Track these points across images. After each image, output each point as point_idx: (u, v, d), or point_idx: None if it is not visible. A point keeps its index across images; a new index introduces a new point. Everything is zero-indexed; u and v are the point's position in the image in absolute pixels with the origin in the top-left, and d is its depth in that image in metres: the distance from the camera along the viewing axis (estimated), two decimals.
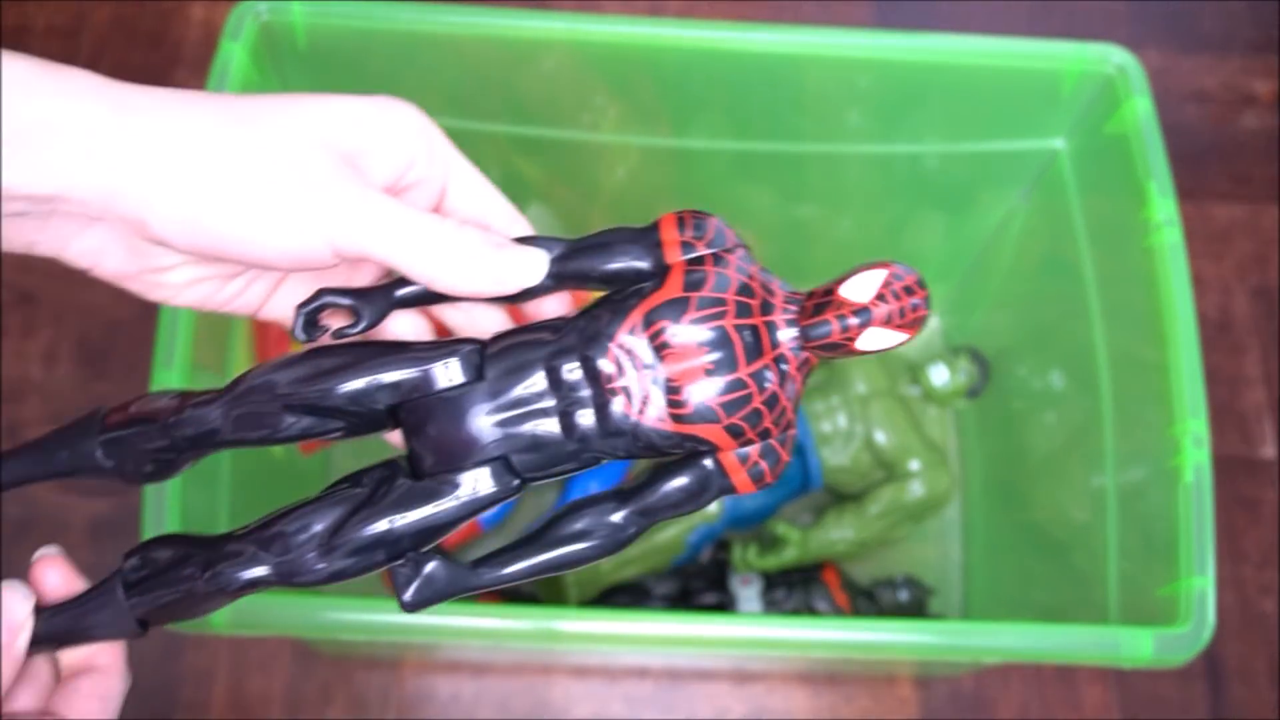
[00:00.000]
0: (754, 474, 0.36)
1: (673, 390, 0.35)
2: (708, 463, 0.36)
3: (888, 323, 0.35)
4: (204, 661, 0.80)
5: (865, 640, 0.55)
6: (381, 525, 0.35)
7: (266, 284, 0.39)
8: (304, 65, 0.66)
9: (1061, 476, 0.73)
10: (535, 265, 0.37)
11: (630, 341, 0.35)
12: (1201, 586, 0.55)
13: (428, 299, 0.38)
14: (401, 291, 0.38)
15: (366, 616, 0.52)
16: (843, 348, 0.35)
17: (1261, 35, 1.08)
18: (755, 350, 0.35)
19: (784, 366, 0.35)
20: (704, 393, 0.34)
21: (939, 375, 0.82)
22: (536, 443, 0.36)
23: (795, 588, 0.78)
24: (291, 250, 0.34)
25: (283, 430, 0.36)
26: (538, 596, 0.78)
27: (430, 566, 0.36)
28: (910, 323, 0.35)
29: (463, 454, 0.35)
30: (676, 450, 0.36)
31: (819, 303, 0.35)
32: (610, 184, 0.78)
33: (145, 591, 0.37)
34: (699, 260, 0.36)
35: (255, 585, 0.35)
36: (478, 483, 0.35)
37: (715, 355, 0.34)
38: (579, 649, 0.75)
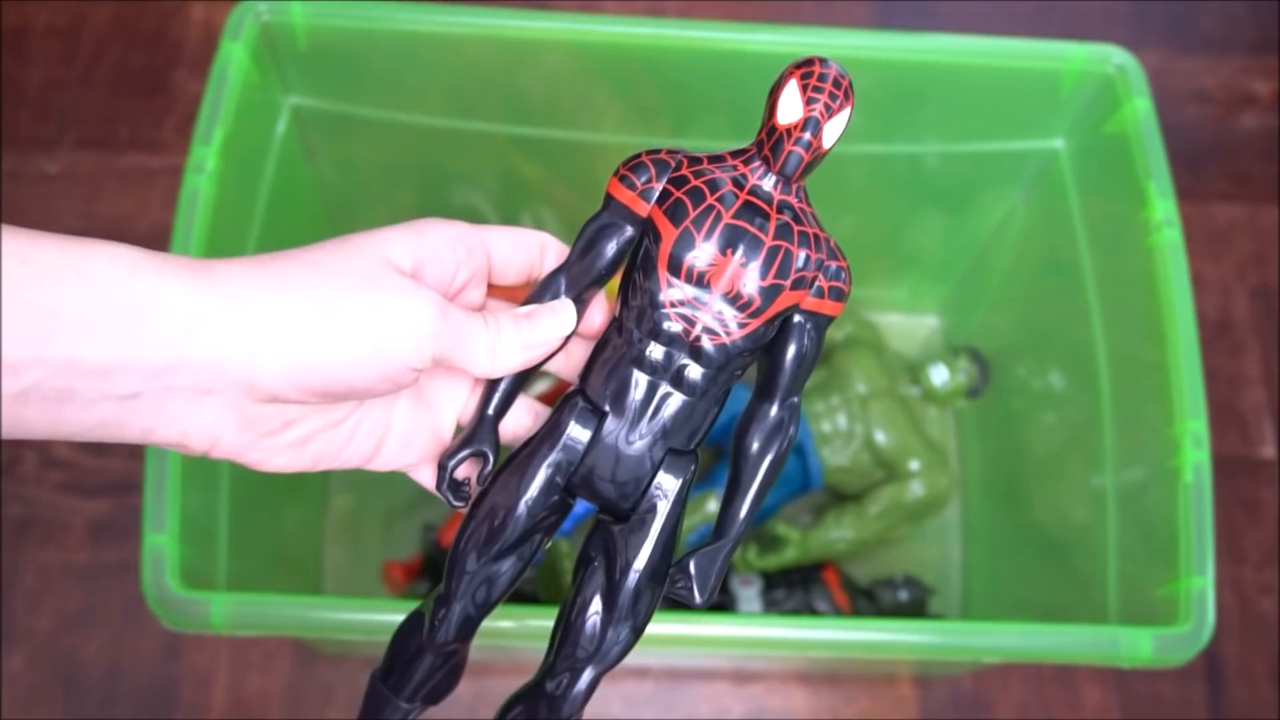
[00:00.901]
0: (832, 294, 0.39)
1: (735, 300, 0.38)
2: (797, 318, 0.39)
3: (830, 113, 0.37)
4: (204, 661, 0.80)
5: (865, 640, 0.55)
6: (634, 575, 0.39)
7: (371, 428, 0.40)
8: (304, 65, 0.66)
9: (1061, 476, 0.73)
10: (566, 316, 0.41)
11: (674, 294, 0.38)
12: (1201, 586, 0.55)
13: (512, 392, 0.41)
14: (493, 407, 0.41)
15: (366, 616, 0.52)
16: (820, 156, 0.38)
17: (1261, 35, 1.08)
18: (761, 216, 0.38)
19: (789, 206, 0.38)
20: (756, 280, 0.37)
21: (939, 375, 0.82)
22: (677, 421, 0.39)
23: (795, 588, 0.78)
24: (390, 368, 0.36)
25: (507, 577, 0.40)
26: (538, 597, 0.78)
27: (692, 564, 0.40)
28: (846, 92, 0.38)
29: (638, 476, 0.39)
30: (774, 332, 0.39)
31: (771, 143, 0.38)
32: None
33: None
34: (664, 195, 0.39)
35: (593, 689, 0.40)
36: (665, 485, 0.39)
37: (740, 248, 0.37)
38: None
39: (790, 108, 0.37)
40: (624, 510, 0.40)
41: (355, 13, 0.64)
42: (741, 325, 0.38)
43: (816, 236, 0.39)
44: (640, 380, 0.39)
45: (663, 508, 0.39)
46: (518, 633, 0.53)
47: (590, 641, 0.39)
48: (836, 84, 0.38)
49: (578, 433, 0.39)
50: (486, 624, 0.53)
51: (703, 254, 0.38)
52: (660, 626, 0.54)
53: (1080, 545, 0.69)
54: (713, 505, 0.76)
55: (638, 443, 0.39)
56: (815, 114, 0.37)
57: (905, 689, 0.83)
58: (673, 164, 0.39)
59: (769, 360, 0.40)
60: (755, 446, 0.40)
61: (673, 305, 0.38)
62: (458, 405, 0.43)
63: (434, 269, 0.38)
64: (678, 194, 0.38)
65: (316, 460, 0.39)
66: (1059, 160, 0.72)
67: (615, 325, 0.40)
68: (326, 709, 0.80)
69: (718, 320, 0.38)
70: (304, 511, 0.81)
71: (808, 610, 0.77)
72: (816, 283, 0.39)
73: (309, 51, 0.65)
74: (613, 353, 0.39)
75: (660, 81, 0.69)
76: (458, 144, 0.74)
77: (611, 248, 0.40)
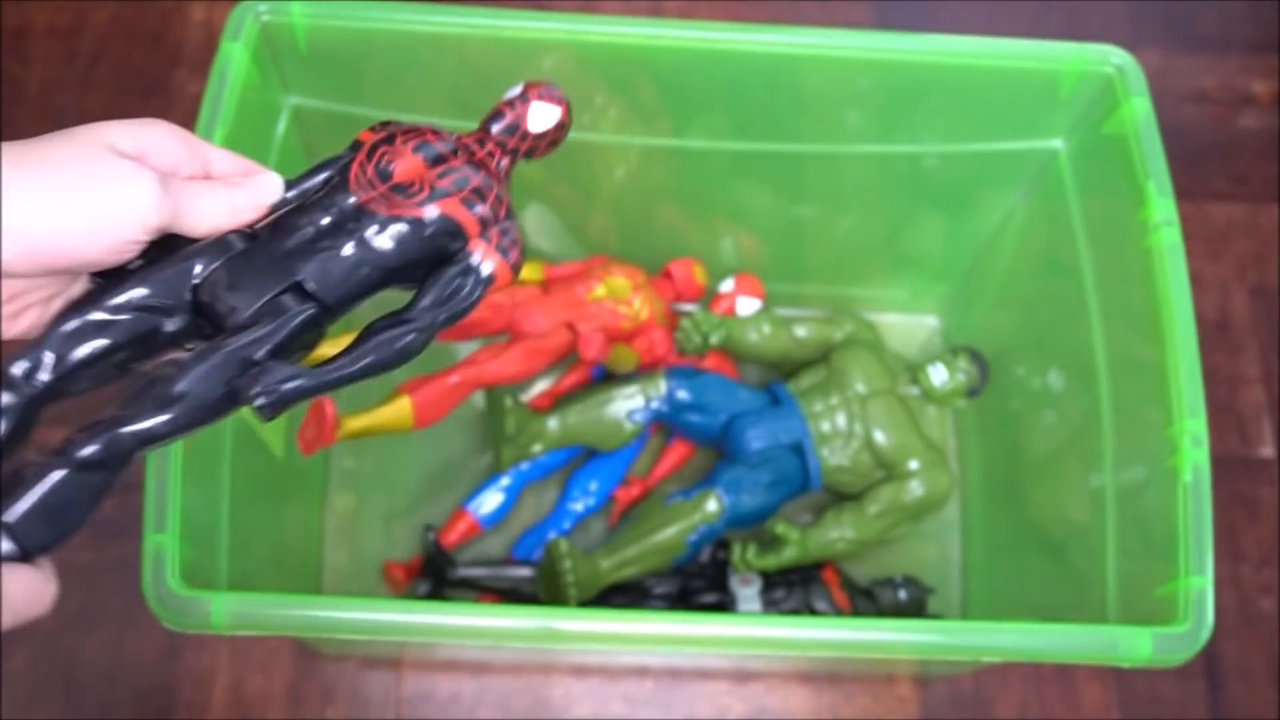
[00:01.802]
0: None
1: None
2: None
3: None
4: (204, 661, 0.80)
5: (864, 640, 0.55)
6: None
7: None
8: (304, 65, 0.66)
9: (1060, 476, 0.73)
10: (273, 182, 0.45)
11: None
12: (1200, 586, 0.55)
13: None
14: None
15: (366, 616, 0.52)
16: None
17: (1260, 35, 1.08)
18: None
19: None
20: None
21: (938, 375, 0.82)
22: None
23: (795, 587, 0.78)
24: (115, 241, 0.40)
25: (93, 353, 0.42)
26: (538, 596, 0.78)
27: (272, 366, 0.41)
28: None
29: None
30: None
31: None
32: (610, 184, 0.78)
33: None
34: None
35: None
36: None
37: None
38: (579, 648, 0.75)
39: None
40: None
41: (355, 13, 0.64)
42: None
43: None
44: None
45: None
46: (518, 632, 0.53)
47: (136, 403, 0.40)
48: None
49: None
50: (486, 623, 0.53)
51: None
52: (660, 626, 0.54)
53: (1079, 545, 0.69)
54: (712, 505, 0.76)
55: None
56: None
57: (905, 688, 0.83)
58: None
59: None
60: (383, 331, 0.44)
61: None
62: None
63: (156, 159, 0.42)
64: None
65: (28, 330, 0.42)
66: (1058, 160, 0.72)
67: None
68: (327, 708, 0.80)
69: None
70: (304, 511, 0.81)
71: (807, 610, 0.77)
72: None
73: (309, 52, 0.65)
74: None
75: (660, 82, 0.69)
76: None
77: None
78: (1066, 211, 0.71)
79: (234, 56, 0.61)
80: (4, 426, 0.39)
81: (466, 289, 0.45)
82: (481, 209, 0.45)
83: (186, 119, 0.97)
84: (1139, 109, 0.64)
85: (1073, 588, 0.69)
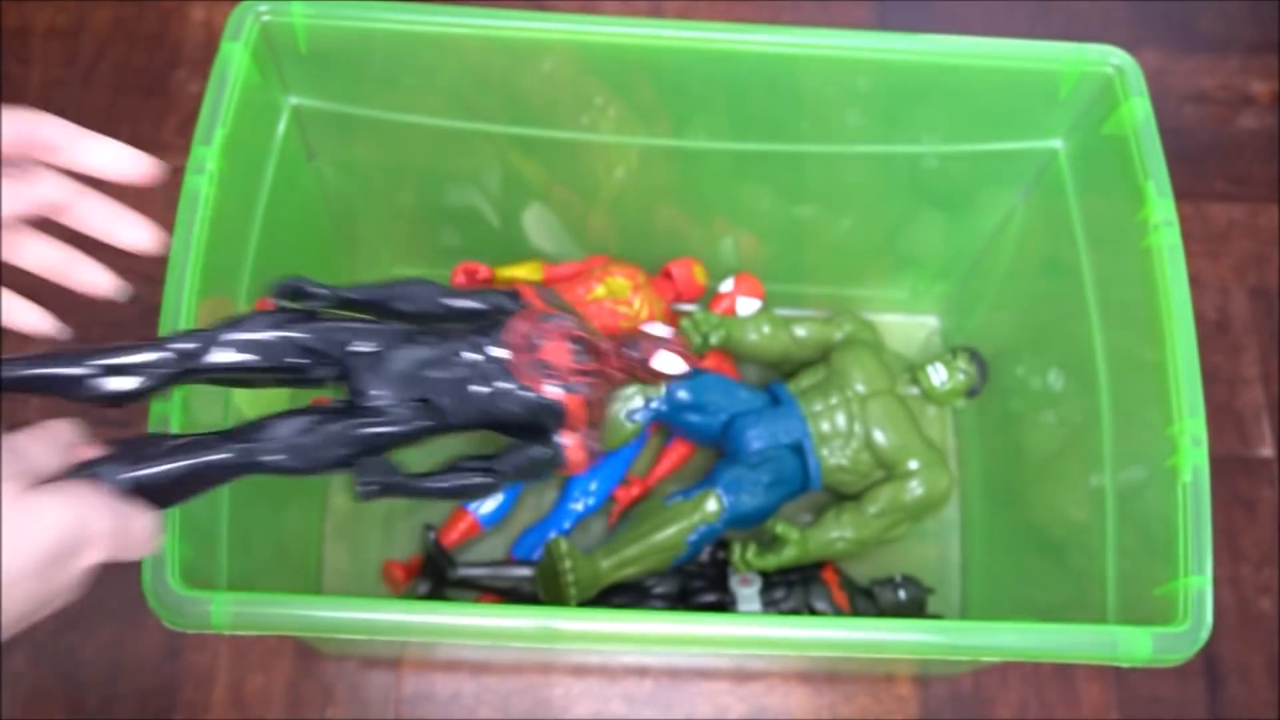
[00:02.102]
0: None
1: None
2: None
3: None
4: (205, 661, 0.80)
5: (864, 640, 0.55)
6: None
7: None
8: (304, 66, 0.67)
9: (1060, 476, 0.73)
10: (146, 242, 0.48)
11: None
12: (1199, 585, 0.55)
13: None
14: None
15: (366, 616, 0.52)
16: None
17: (1260, 36, 1.08)
18: None
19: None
20: None
21: (937, 375, 0.82)
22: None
23: (794, 587, 0.78)
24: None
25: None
26: (538, 596, 0.78)
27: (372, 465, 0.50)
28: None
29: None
30: None
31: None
32: (610, 184, 0.78)
33: None
34: None
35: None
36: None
37: None
38: (579, 648, 0.75)
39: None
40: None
41: (355, 13, 0.64)
42: None
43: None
44: None
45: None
46: (518, 632, 0.53)
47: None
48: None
49: None
50: (486, 623, 0.53)
51: None
52: (660, 626, 0.54)
53: (1079, 544, 0.69)
54: (712, 505, 0.76)
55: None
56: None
57: (905, 688, 0.83)
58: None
59: None
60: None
61: None
62: None
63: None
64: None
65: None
66: (1058, 161, 0.72)
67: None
68: (327, 708, 0.80)
69: None
70: (304, 511, 0.81)
71: (807, 610, 0.77)
72: None
73: (309, 52, 0.65)
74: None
75: (660, 82, 0.69)
76: (458, 144, 0.74)
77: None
78: (1066, 212, 0.71)
79: (234, 56, 0.61)
80: (144, 383, 0.46)
81: (543, 468, 0.53)
82: (591, 413, 0.53)
83: (187, 119, 0.98)
84: (1139, 109, 0.64)
85: (1072, 587, 0.69)
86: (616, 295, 0.80)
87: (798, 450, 0.79)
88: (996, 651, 0.57)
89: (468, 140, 0.74)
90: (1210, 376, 0.58)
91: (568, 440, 0.53)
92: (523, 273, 0.82)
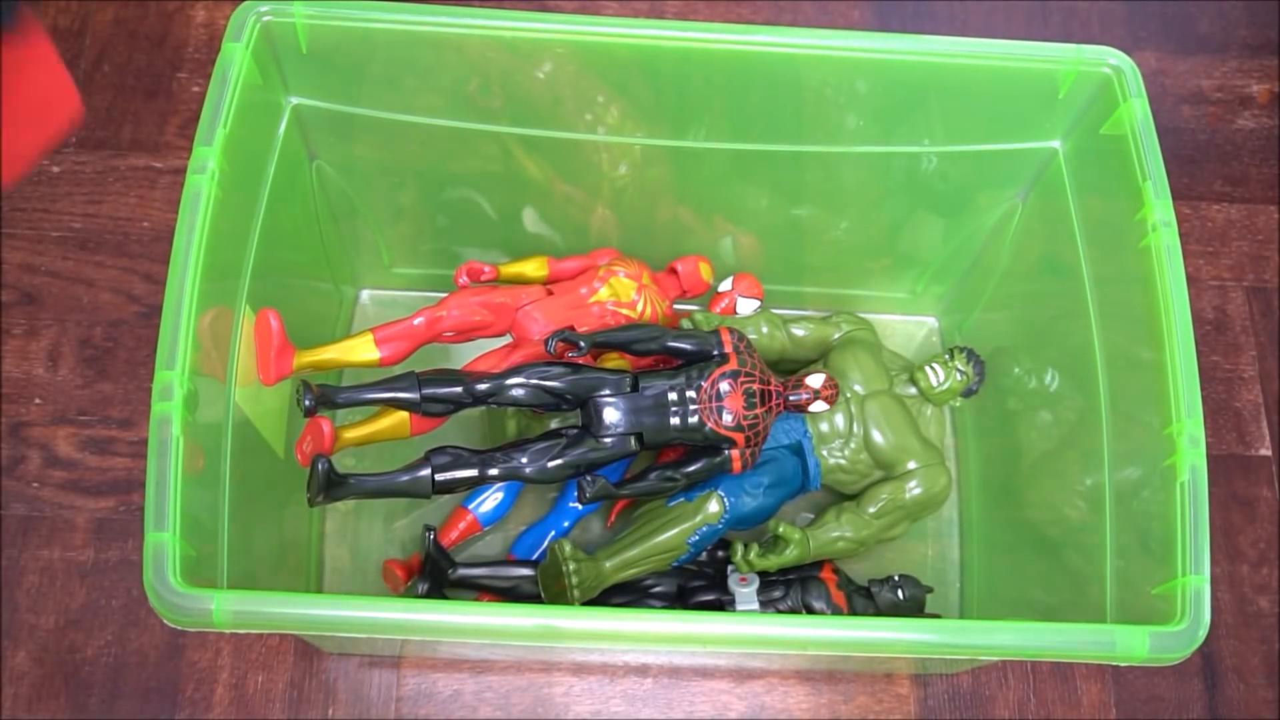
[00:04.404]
0: None
1: None
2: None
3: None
4: (206, 659, 0.80)
5: (863, 639, 0.55)
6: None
7: None
8: (305, 66, 0.67)
9: (1058, 475, 0.74)
10: None
11: None
12: (1197, 585, 0.55)
13: None
14: None
15: (366, 614, 0.53)
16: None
17: (1258, 37, 1.08)
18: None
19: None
20: None
21: (935, 375, 0.82)
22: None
23: (793, 586, 0.78)
24: None
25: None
26: (538, 595, 0.78)
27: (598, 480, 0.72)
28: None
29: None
30: None
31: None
32: (610, 184, 0.78)
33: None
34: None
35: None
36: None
37: None
38: (580, 647, 0.75)
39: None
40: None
41: (356, 13, 0.64)
42: None
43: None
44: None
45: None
46: (520, 631, 0.53)
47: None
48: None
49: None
50: (487, 622, 0.53)
51: None
52: (660, 625, 0.55)
53: (1077, 544, 0.70)
54: (713, 506, 0.76)
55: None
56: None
57: (904, 686, 0.84)
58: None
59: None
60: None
61: None
62: None
63: None
64: None
65: None
66: (1056, 161, 0.72)
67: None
68: (328, 707, 0.80)
69: None
70: (304, 510, 0.81)
71: (805, 609, 0.77)
72: None
73: (310, 52, 0.66)
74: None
75: (660, 82, 0.69)
76: (458, 144, 0.74)
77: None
78: (1065, 212, 0.71)
79: (236, 57, 0.62)
80: (446, 409, 0.71)
81: (714, 472, 0.73)
82: (753, 447, 0.72)
83: (188, 119, 0.98)
84: (1137, 110, 0.65)
85: (1070, 587, 0.69)
86: (620, 297, 0.80)
87: (797, 451, 0.80)
88: (995, 650, 0.58)
89: (468, 140, 0.74)
90: (1208, 376, 0.59)
91: (734, 456, 0.72)
92: (528, 269, 0.82)
